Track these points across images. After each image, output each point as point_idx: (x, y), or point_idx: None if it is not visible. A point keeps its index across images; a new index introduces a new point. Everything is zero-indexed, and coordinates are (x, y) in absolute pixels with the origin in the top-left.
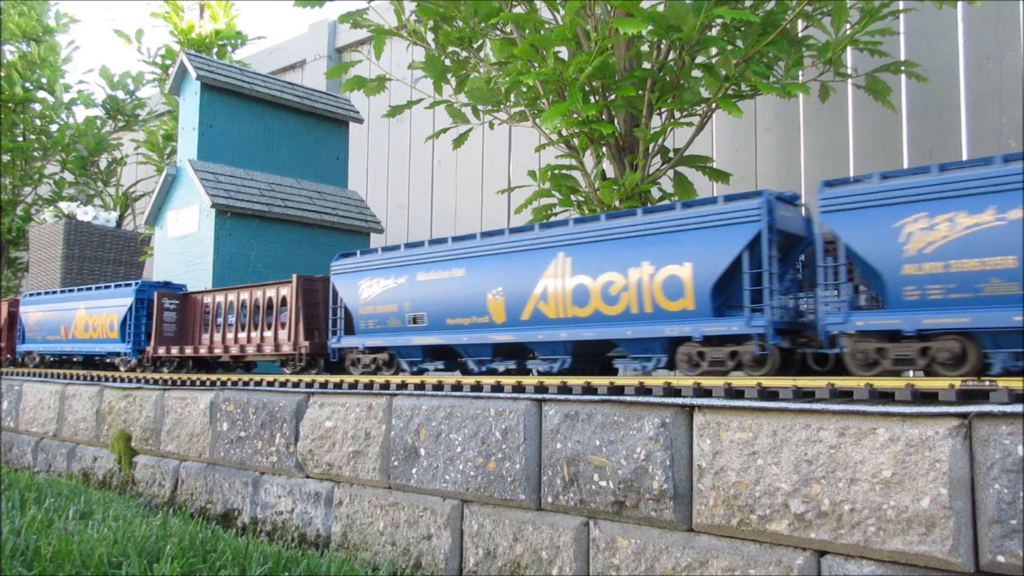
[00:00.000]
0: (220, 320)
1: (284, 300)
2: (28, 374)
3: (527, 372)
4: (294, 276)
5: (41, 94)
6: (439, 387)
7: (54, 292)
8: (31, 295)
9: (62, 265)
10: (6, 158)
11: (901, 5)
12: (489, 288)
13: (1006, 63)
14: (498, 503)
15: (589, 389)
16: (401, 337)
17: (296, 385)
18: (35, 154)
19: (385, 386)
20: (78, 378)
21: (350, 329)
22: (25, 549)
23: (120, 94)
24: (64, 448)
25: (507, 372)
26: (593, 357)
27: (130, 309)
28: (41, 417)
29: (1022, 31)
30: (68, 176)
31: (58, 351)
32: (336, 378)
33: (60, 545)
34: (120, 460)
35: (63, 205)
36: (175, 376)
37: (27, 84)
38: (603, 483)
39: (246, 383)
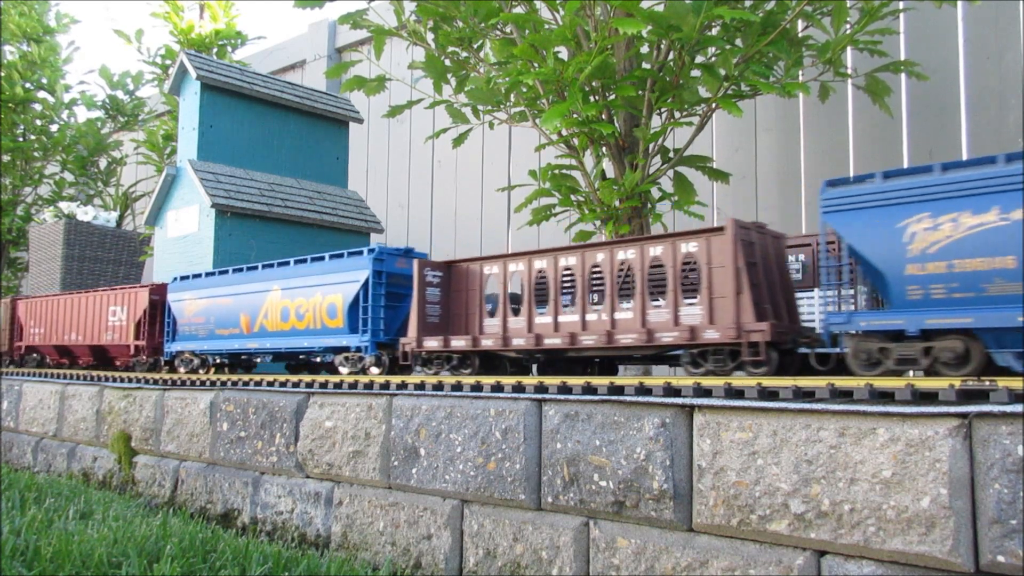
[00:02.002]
0: (550, 294)
1: (690, 260)
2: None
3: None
4: (730, 221)
5: (41, 94)
6: (439, 387)
7: (223, 272)
8: (183, 278)
9: (62, 265)
10: (6, 158)
11: (901, 5)
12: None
13: (1006, 63)
14: (498, 503)
15: (589, 389)
16: None
17: (296, 385)
18: (35, 154)
19: (385, 386)
20: (78, 378)
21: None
22: (25, 549)
23: (120, 94)
24: (64, 448)
25: None
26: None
27: (364, 287)
28: (41, 417)
29: (1022, 31)
30: (68, 176)
31: (236, 349)
32: (336, 378)
33: (60, 545)
34: (120, 460)
35: (63, 205)
36: (175, 376)
37: (27, 84)
38: (603, 483)
39: (246, 383)
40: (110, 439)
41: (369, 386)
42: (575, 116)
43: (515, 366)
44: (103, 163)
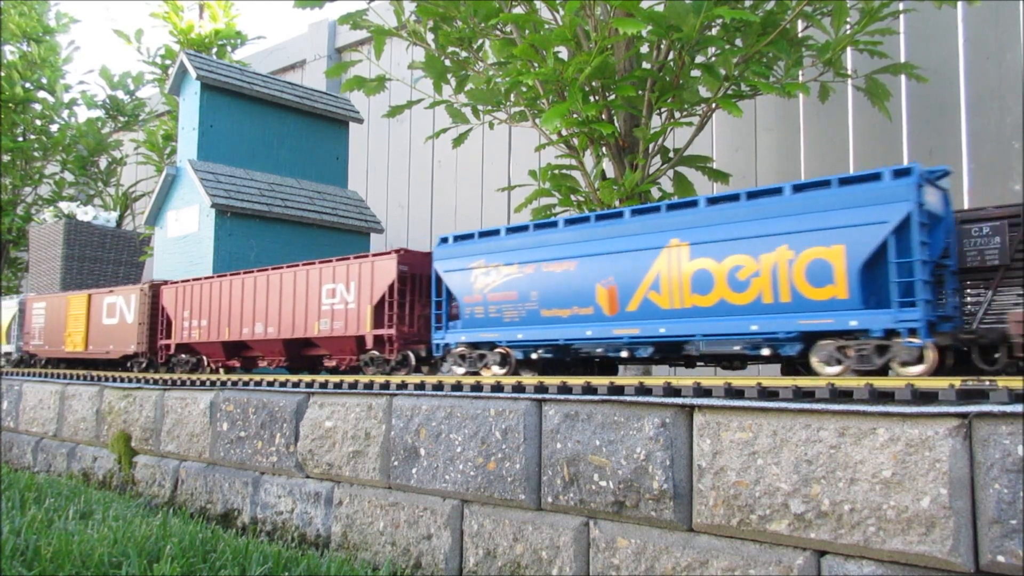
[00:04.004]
0: None
1: None
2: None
3: None
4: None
5: (41, 94)
6: (439, 387)
7: (545, 225)
8: (461, 238)
9: (62, 265)
10: (6, 158)
11: (901, 5)
12: None
13: (1006, 63)
14: (498, 503)
15: (589, 389)
16: None
17: (296, 385)
18: (35, 154)
19: (385, 386)
20: (78, 378)
21: None
22: (25, 549)
23: (120, 94)
24: (64, 448)
25: None
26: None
27: (896, 232)
28: (41, 417)
29: (1022, 31)
30: (68, 176)
31: (587, 339)
32: (337, 378)
33: (60, 545)
34: (120, 460)
35: (63, 205)
36: (175, 376)
37: (27, 84)
38: (603, 483)
39: (246, 383)
40: (110, 439)
41: (369, 386)
42: (575, 116)
43: None
44: (103, 163)
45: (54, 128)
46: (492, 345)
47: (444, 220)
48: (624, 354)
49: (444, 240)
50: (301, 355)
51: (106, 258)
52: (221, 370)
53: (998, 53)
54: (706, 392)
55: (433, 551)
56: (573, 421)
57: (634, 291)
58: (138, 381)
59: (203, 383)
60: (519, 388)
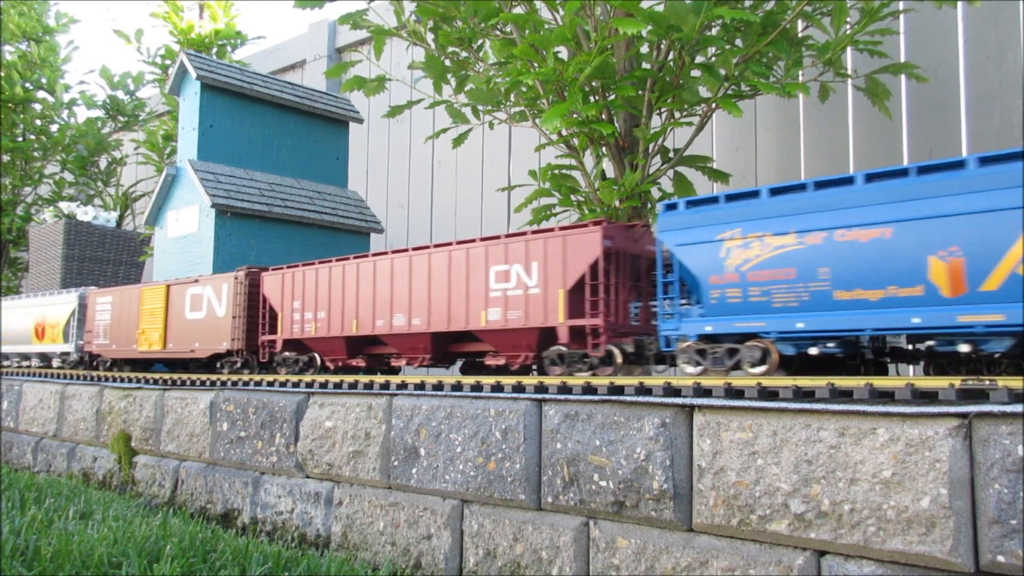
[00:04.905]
0: None
1: None
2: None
3: None
4: None
5: (41, 94)
6: (439, 387)
7: (840, 182)
8: (701, 202)
9: (62, 265)
10: (6, 158)
11: (901, 5)
12: None
13: (1006, 63)
14: (498, 503)
15: (589, 389)
16: None
17: (296, 385)
18: (35, 154)
19: (385, 386)
20: (78, 378)
21: None
22: (25, 549)
23: (120, 94)
24: (64, 448)
25: None
26: None
27: None
28: (41, 417)
29: (1022, 31)
30: (68, 176)
31: (912, 328)
32: (336, 378)
33: (60, 545)
34: (120, 460)
35: (63, 205)
36: (174, 376)
37: (27, 84)
38: (603, 483)
39: (246, 383)
40: (110, 439)
41: (369, 386)
42: (575, 116)
43: None
44: (103, 163)
45: (54, 128)
46: (743, 337)
47: (444, 220)
48: (965, 348)
49: (671, 207)
50: (449, 352)
51: (106, 258)
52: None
53: (998, 53)
54: (706, 392)
55: (433, 551)
56: (573, 421)
57: (994, 265)
58: (138, 381)
59: (203, 383)
60: (519, 388)
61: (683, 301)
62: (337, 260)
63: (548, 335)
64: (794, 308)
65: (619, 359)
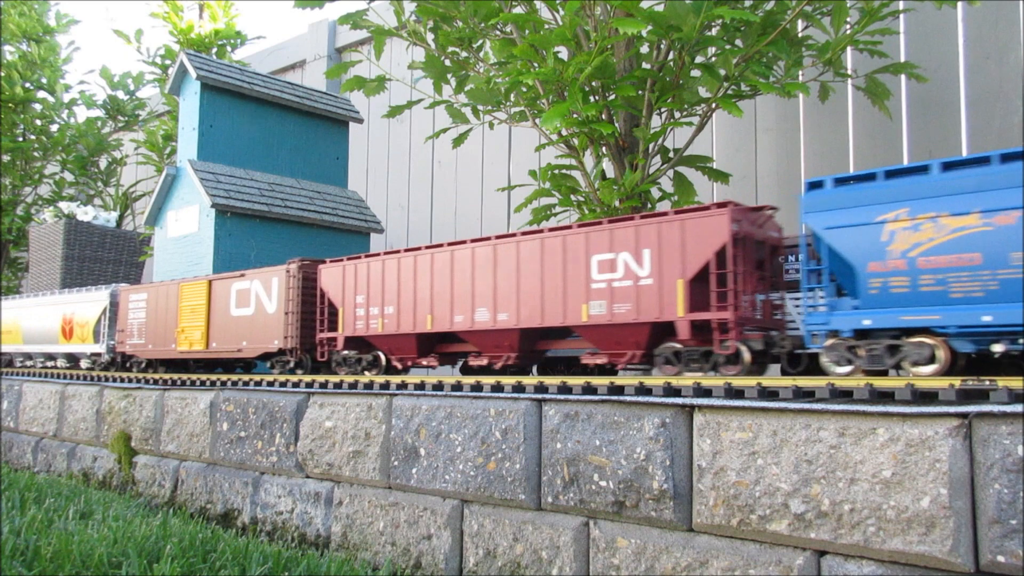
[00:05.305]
0: None
1: None
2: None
3: None
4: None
5: (41, 94)
6: (439, 387)
7: None
8: (863, 180)
9: (62, 265)
10: (6, 158)
11: (901, 5)
12: None
13: (1006, 63)
14: (498, 503)
15: (589, 389)
16: None
17: (296, 385)
18: (35, 154)
19: (385, 386)
20: (78, 378)
21: None
22: (25, 549)
23: (120, 94)
24: (64, 448)
25: None
26: None
27: None
28: (41, 417)
29: (1022, 31)
30: (68, 176)
31: None
32: (336, 378)
33: (60, 545)
34: (120, 460)
35: (63, 205)
36: (175, 376)
37: (27, 84)
38: (603, 483)
39: (246, 383)
40: (110, 439)
41: (369, 386)
42: (575, 116)
43: None
44: (103, 163)
45: (54, 128)
46: (904, 332)
47: (444, 220)
48: None
49: (815, 185)
50: (536, 350)
51: (106, 258)
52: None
53: (998, 53)
54: (706, 392)
55: (433, 551)
56: (573, 421)
57: None
58: (138, 381)
59: (203, 383)
60: (519, 388)
61: (825, 294)
62: (406, 251)
63: (662, 331)
64: (978, 299)
65: (747, 357)
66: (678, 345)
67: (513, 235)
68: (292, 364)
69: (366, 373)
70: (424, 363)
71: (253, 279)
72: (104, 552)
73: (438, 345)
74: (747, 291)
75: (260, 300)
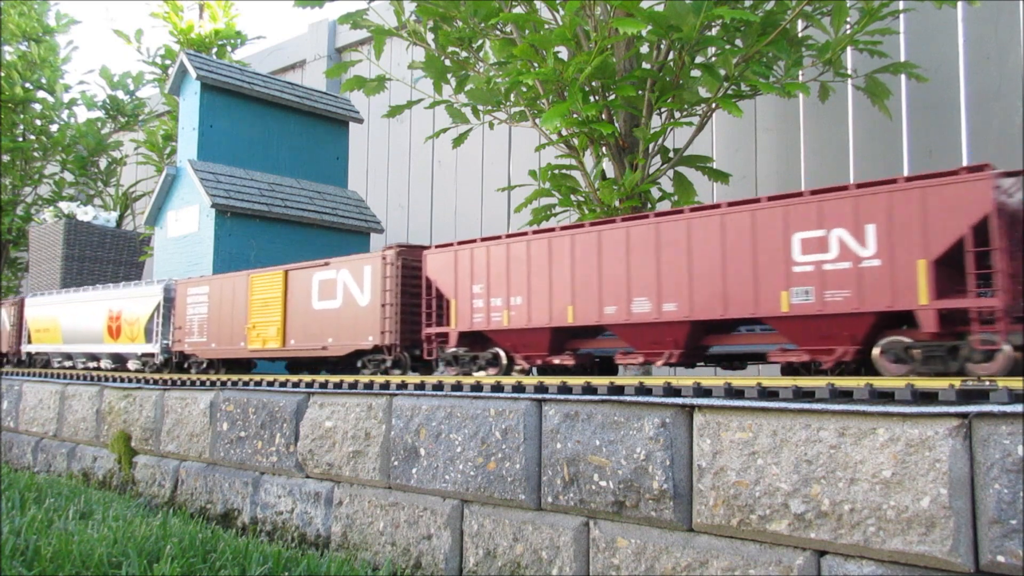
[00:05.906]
0: None
1: None
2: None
3: None
4: None
5: (41, 94)
6: (439, 387)
7: None
8: None
9: (62, 265)
10: (6, 158)
11: (901, 5)
12: None
13: (1006, 63)
14: (498, 503)
15: (589, 389)
16: None
17: (296, 385)
18: (35, 154)
19: (385, 386)
20: (78, 378)
21: None
22: (25, 549)
23: (120, 94)
24: (64, 448)
25: None
26: None
27: None
28: (41, 417)
29: (1022, 31)
30: (68, 176)
31: None
32: (337, 378)
33: (60, 545)
34: (120, 460)
35: (63, 205)
36: (175, 376)
37: (27, 84)
38: (603, 483)
39: (246, 383)
40: (110, 439)
41: (369, 386)
42: (575, 116)
43: None
44: (103, 163)
45: (54, 128)
46: None
47: (444, 220)
48: None
49: None
50: (700, 345)
51: (106, 258)
52: (533, 369)
53: (998, 53)
54: (706, 392)
55: (433, 551)
56: (573, 421)
57: None
58: (138, 381)
59: (203, 383)
60: (519, 388)
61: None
62: (535, 232)
63: (890, 322)
64: None
65: (1011, 353)
66: (906, 339)
67: (680, 211)
68: (389, 363)
69: (483, 372)
70: (557, 361)
71: (340, 268)
72: (104, 552)
73: (571, 341)
74: (1015, 273)
75: (349, 291)
